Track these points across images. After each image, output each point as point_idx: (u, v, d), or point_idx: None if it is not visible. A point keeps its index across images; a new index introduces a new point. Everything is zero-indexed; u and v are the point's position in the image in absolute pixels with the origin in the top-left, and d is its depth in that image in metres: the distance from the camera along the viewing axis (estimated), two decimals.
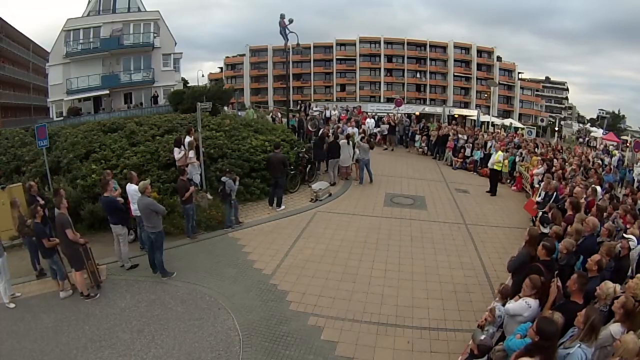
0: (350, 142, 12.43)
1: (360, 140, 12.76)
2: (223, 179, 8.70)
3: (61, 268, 6.28)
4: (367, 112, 27.23)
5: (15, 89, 34.38)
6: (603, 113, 64.33)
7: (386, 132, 19.02)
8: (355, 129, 15.94)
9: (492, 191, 12.45)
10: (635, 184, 12.19)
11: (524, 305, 4.09)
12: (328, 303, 6.14)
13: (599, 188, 8.97)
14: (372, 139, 13.54)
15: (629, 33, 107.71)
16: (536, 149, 15.52)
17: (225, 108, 20.95)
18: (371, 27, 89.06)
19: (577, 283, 3.90)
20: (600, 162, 15.67)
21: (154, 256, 6.89)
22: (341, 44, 55.98)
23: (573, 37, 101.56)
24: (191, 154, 9.46)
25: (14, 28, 32.96)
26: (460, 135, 17.33)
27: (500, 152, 12.80)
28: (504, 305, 4.43)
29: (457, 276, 7.08)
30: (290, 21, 14.68)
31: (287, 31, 14.81)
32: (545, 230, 6.54)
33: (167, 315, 5.86)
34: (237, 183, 8.81)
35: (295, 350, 5.12)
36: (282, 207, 10.11)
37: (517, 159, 13.98)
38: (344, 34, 64.19)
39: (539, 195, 9.47)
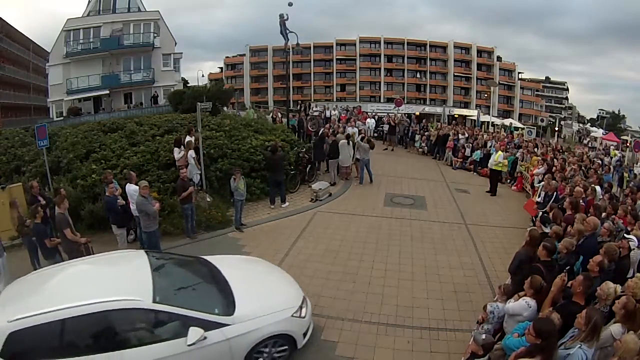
0: (351, 142, 12.42)
1: (361, 140, 12.77)
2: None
3: None
4: (367, 112, 27.25)
5: (15, 89, 34.37)
6: (603, 113, 64.31)
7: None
8: (356, 129, 15.95)
9: (492, 191, 12.45)
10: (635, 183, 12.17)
11: (524, 305, 4.09)
12: (328, 303, 6.13)
13: (598, 188, 8.97)
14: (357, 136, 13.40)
15: (631, 33, 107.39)
16: (536, 148, 15.50)
17: (225, 108, 20.94)
18: (374, 27, 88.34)
19: (583, 285, 3.89)
20: (600, 162, 15.66)
21: None
22: (341, 44, 55.92)
23: (576, 37, 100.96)
24: (192, 153, 9.45)
25: (14, 28, 32.98)
26: (460, 135, 17.33)
27: (500, 152, 12.80)
28: (504, 303, 4.44)
29: (457, 276, 7.08)
30: (290, 4, 14.42)
31: (287, 31, 14.81)
32: (546, 230, 6.53)
33: None
34: (234, 181, 8.55)
35: (295, 350, 5.11)
36: (287, 203, 10.23)
37: (519, 158, 13.97)
38: (346, 34, 64.04)
39: (539, 196, 9.46)
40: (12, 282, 4.81)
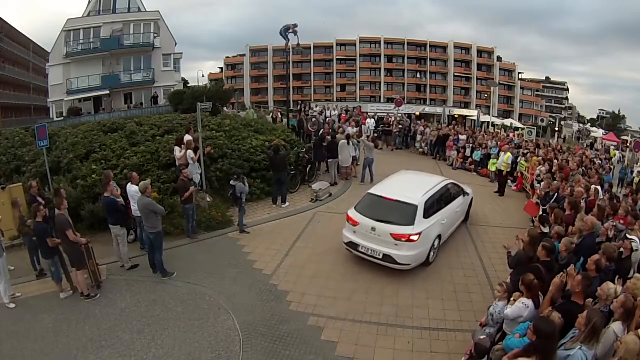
0: (351, 142, 12.41)
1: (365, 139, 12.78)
2: (232, 182, 8.66)
3: (58, 269, 6.27)
4: (367, 112, 27.19)
5: (15, 89, 34.40)
6: (603, 113, 64.33)
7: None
8: (355, 129, 15.89)
9: (500, 192, 12.49)
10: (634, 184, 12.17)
11: (521, 306, 4.11)
12: (328, 303, 6.14)
13: (599, 188, 8.94)
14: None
15: (633, 34, 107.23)
16: (536, 149, 15.44)
17: (225, 108, 20.93)
18: (375, 27, 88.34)
19: (582, 285, 3.89)
20: (599, 162, 15.64)
21: (153, 256, 6.90)
22: (341, 44, 55.94)
23: (579, 37, 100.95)
24: (189, 153, 9.41)
25: (14, 28, 33.01)
26: (460, 136, 17.28)
27: (509, 154, 12.80)
28: (504, 302, 4.44)
29: (457, 276, 7.09)
30: (295, 27, 14.76)
31: (287, 33, 14.81)
32: (546, 230, 6.53)
33: (167, 315, 5.86)
34: (246, 185, 8.75)
35: (295, 350, 5.12)
36: (287, 203, 10.24)
37: (520, 158, 13.90)
38: (348, 34, 63.95)
39: (539, 196, 9.43)
40: (376, 187, 7.96)
